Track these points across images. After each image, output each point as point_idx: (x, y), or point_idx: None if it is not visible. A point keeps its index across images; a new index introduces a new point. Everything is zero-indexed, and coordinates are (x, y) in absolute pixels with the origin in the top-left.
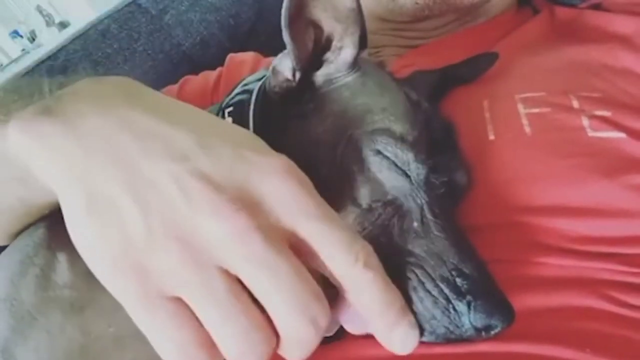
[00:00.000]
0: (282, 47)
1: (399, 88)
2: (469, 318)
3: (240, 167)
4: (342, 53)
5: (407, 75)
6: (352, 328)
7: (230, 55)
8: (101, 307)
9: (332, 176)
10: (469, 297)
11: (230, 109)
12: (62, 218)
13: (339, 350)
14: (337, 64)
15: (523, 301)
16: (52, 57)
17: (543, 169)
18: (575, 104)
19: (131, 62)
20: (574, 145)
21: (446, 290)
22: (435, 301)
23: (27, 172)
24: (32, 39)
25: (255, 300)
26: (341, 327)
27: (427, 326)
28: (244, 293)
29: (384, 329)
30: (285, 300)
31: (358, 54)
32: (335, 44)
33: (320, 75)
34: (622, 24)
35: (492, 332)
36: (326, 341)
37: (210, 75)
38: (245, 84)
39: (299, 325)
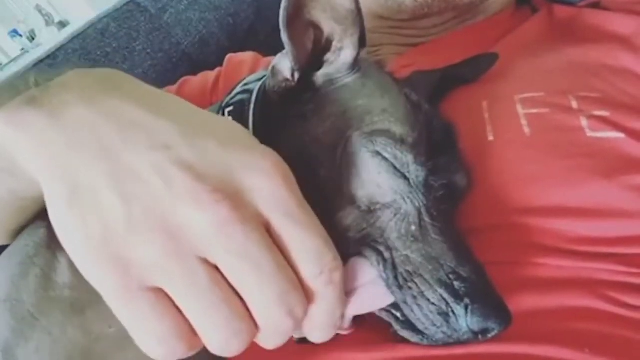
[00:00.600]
0: (282, 46)
1: (400, 89)
2: (466, 321)
3: (224, 159)
4: (342, 54)
5: (407, 76)
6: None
7: (229, 56)
8: (102, 308)
9: (331, 177)
10: (466, 300)
11: (231, 108)
12: None
13: (322, 354)
14: (337, 64)
15: (522, 302)
16: (51, 56)
17: (542, 170)
18: (574, 104)
19: (130, 61)
20: (572, 146)
21: (445, 295)
22: (435, 308)
23: (14, 163)
24: (32, 38)
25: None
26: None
27: (427, 332)
28: (224, 283)
29: (313, 327)
30: (264, 291)
31: (358, 55)
32: (335, 44)
33: (320, 76)
34: (621, 24)
35: (489, 335)
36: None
37: (209, 76)
38: (246, 84)
39: (277, 315)
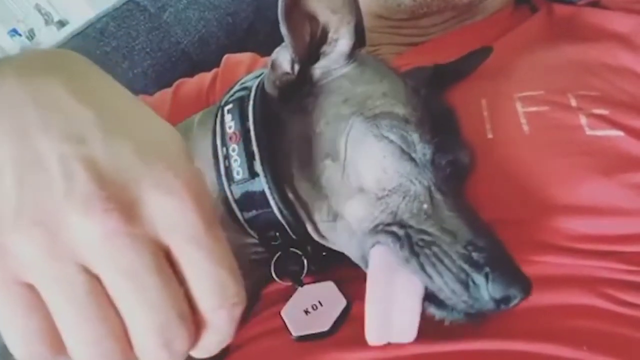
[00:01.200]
0: (281, 44)
1: (397, 74)
2: (487, 290)
3: (135, 168)
4: (339, 44)
5: (404, 71)
6: None
7: (227, 56)
8: None
9: (337, 166)
10: (486, 269)
11: (230, 106)
12: None
13: (320, 354)
14: (334, 55)
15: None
16: None
17: (541, 168)
18: (574, 102)
19: (130, 61)
20: (571, 144)
21: (464, 265)
22: (454, 276)
23: None
24: (31, 37)
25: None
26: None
27: (449, 302)
28: (104, 297)
29: (199, 356)
30: (143, 316)
31: (354, 44)
32: (331, 35)
33: (318, 68)
34: (620, 23)
35: (511, 304)
36: (320, 337)
37: (206, 77)
38: (244, 82)
39: (153, 346)
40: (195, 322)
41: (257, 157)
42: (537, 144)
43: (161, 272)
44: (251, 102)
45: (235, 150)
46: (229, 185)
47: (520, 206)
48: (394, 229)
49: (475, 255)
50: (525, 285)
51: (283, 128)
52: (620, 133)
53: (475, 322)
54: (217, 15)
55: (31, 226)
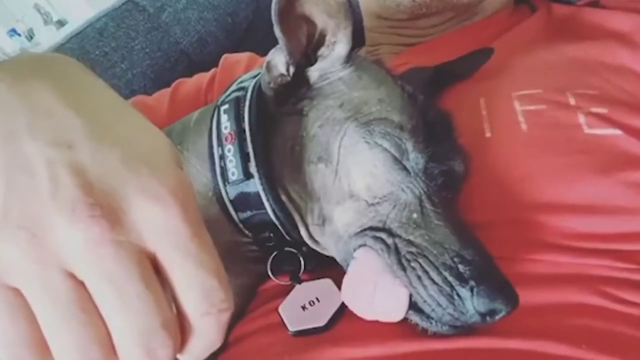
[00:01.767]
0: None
1: (395, 81)
2: (472, 303)
3: (122, 176)
4: (336, 48)
5: (402, 72)
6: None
7: (225, 56)
8: None
9: (330, 171)
10: (471, 283)
11: (226, 106)
12: None
13: (316, 349)
14: (332, 59)
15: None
16: None
17: (539, 166)
18: (572, 101)
19: (129, 61)
20: (570, 143)
21: (449, 278)
22: (439, 289)
23: None
24: (30, 37)
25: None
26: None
27: (433, 314)
28: (89, 303)
29: (195, 351)
30: (125, 323)
31: (352, 48)
32: (328, 39)
33: (315, 71)
34: (619, 21)
35: (497, 317)
36: (316, 332)
37: (204, 77)
38: (241, 82)
39: (135, 353)
40: (182, 328)
41: (252, 158)
42: (536, 143)
43: (145, 279)
44: (247, 103)
45: (230, 151)
46: (224, 185)
47: (517, 205)
48: (383, 236)
49: (461, 267)
50: (511, 299)
51: (278, 129)
52: (619, 132)
53: (461, 334)
54: (216, 15)
55: (16, 230)
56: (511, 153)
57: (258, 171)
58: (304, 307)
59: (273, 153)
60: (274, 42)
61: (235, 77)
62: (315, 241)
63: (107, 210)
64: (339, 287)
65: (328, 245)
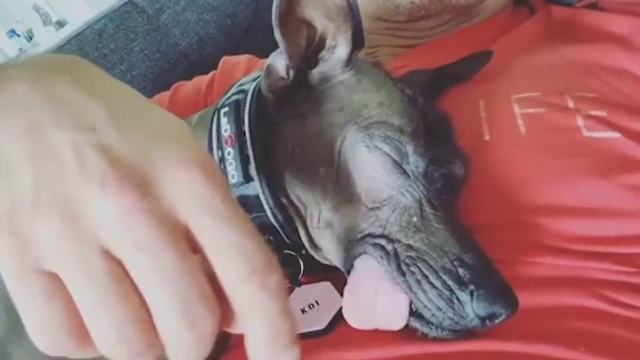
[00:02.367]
0: (278, 46)
1: (394, 84)
2: (472, 307)
3: (147, 150)
4: (337, 51)
5: (401, 75)
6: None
7: (224, 58)
8: None
9: (330, 174)
10: (471, 287)
11: (226, 109)
12: None
13: (316, 353)
14: (332, 62)
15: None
16: None
17: (538, 169)
18: (571, 104)
19: (128, 62)
20: (569, 146)
21: (449, 281)
22: (439, 293)
23: None
24: (29, 37)
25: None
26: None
27: (433, 319)
28: (126, 280)
29: (265, 353)
30: (163, 294)
31: (352, 51)
32: (329, 42)
33: (315, 74)
34: (618, 24)
35: (497, 321)
36: (316, 335)
37: (203, 80)
38: (241, 85)
39: (177, 327)
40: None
41: (252, 161)
42: (535, 146)
43: (179, 248)
44: (247, 106)
45: (230, 154)
46: None
47: (516, 207)
48: (383, 242)
49: (461, 271)
50: (511, 303)
51: (278, 132)
52: (618, 134)
53: (461, 338)
54: (216, 16)
55: (50, 213)
56: (510, 156)
57: (258, 174)
58: (303, 311)
59: (273, 156)
60: (274, 44)
61: (235, 79)
62: (315, 246)
63: (135, 181)
64: (339, 290)
65: (327, 249)
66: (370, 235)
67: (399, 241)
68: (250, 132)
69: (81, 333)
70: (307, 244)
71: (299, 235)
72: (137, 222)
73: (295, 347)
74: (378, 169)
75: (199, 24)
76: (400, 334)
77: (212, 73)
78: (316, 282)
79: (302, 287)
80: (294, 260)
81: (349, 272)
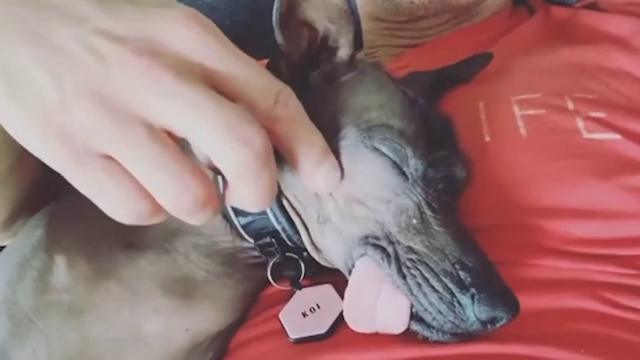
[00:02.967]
0: (279, 47)
1: (396, 86)
2: (473, 311)
3: (143, 21)
4: (338, 53)
5: (403, 77)
6: (357, 325)
7: None
8: (100, 312)
9: None
10: (472, 290)
11: None
12: (59, 220)
13: (317, 356)
14: (334, 63)
15: (520, 303)
16: None
17: (538, 171)
18: (570, 105)
19: None
20: (569, 147)
21: (450, 285)
22: (440, 296)
23: None
24: None
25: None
26: (333, 324)
27: (434, 323)
28: (171, 141)
29: (308, 168)
30: (209, 125)
31: (354, 53)
32: (330, 44)
33: (316, 76)
34: (617, 25)
35: (498, 324)
36: (317, 339)
37: None
38: None
39: (233, 147)
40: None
41: None
42: (534, 147)
43: (205, 86)
44: None
45: None
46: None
47: (516, 209)
48: (383, 244)
49: (462, 274)
50: (512, 307)
51: None
52: (617, 136)
53: (462, 341)
54: (215, 17)
55: (81, 99)
56: (510, 157)
57: None
58: (304, 314)
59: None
60: (273, 45)
61: None
62: (316, 248)
63: (147, 47)
64: (340, 293)
65: (328, 249)
66: (371, 235)
67: (399, 242)
68: None
69: (151, 197)
70: (308, 246)
71: (300, 237)
72: (160, 75)
73: (331, 156)
74: (377, 170)
75: None
76: (401, 337)
77: None
78: (317, 285)
79: (304, 290)
80: (295, 263)
81: (349, 273)
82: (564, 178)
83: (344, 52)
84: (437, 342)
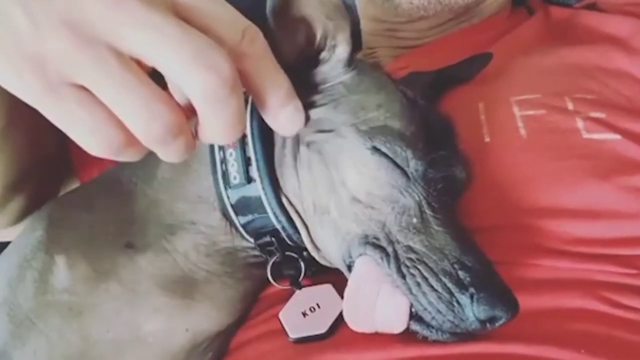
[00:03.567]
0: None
1: (395, 86)
2: (472, 310)
3: None
4: (337, 51)
5: (402, 77)
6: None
7: None
8: (100, 312)
9: (329, 174)
10: (471, 290)
11: None
12: (59, 221)
13: (317, 356)
14: (333, 62)
15: (519, 303)
16: None
17: (538, 171)
18: (570, 105)
19: None
20: (568, 147)
21: (449, 284)
22: (439, 296)
23: None
24: None
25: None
26: (333, 324)
27: (433, 322)
28: (140, 70)
29: (272, 108)
30: (177, 53)
31: (352, 50)
32: (329, 42)
33: (315, 74)
34: (616, 25)
35: (497, 324)
36: (317, 339)
37: None
38: None
39: (200, 73)
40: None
41: (253, 162)
42: (534, 148)
43: (171, 15)
44: (248, 107)
45: (232, 155)
46: (226, 189)
47: (516, 209)
48: (383, 243)
49: (461, 274)
50: (511, 306)
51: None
52: (617, 136)
53: (462, 341)
54: None
55: (52, 27)
56: (510, 158)
57: (259, 174)
58: (304, 314)
59: (274, 156)
60: (273, 46)
61: None
62: (316, 246)
63: None
64: (340, 293)
65: (327, 242)
66: (371, 235)
67: (399, 242)
68: (252, 133)
69: (121, 123)
70: (308, 245)
71: (300, 236)
72: (129, 5)
73: (295, 99)
74: (377, 169)
75: None
76: (400, 337)
77: None
78: (317, 285)
79: (304, 289)
80: (295, 263)
81: (348, 270)
82: (564, 178)
83: (342, 50)
84: (436, 342)
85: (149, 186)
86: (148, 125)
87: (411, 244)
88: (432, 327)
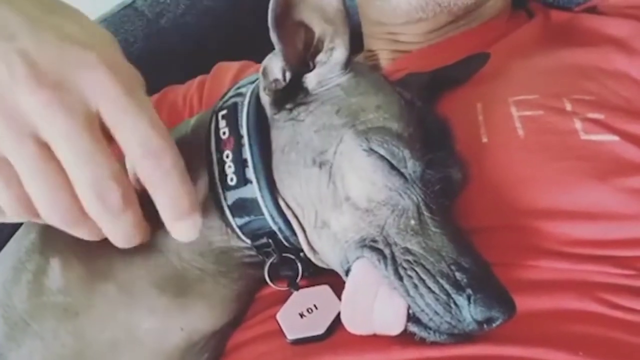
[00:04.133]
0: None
1: (393, 88)
2: (469, 311)
3: (60, 52)
4: (334, 54)
5: (399, 78)
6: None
7: (218, 64)
8: (95, 313)
9: (326, 177)
10: (468, 291)
11: (224, 112)
12: None
13: (315, 357)
14: (330, 65)
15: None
16: None
17: (536, 172)
18: (568, 106)
19: None
20: (566, 148)
21: (446, 286)
22: (436, 297)
23: None
24: None
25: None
26: (331, 325)
27: (431, 324)
28: (55, 161)
29: (169, 219)
30: (79, 170)
31: (350, 54)
32: (327, 45)
33: (313, 77)
34: (616, 27)
35: (494, 325)
36: (315, 340)
37: (192, 83)
38: (239, 87)
39: (90, 197)
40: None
41: (249, 164)
42: (532, 148)
43: (93, 134)
44: (245, 109)
45: (228, 157)
46: (223, 191)
47: (514, 211)
48: (380, 246)
49: (458, 275)
50: (508, 307)
51: (276, 134)
52: (616, 138)
53: (459, 342)
54: (215, 21)
55: None
56: (508, 159)
57: (256, 176)
58: (302, 315)
59: (271, 158)
60: (273, 48)
61: (224, 84)
62: (313, 249)
63: (53, 79)
64: (337, 294)
65: (324, 251)
66: (368, 238)
67: (396, 244)
68: (249, 134)
69: (31, 205)
70: (305, 247)
71: (297, 238)
72: (55, 112)
73: (196, 213)
74: (375, 171)
75: (198, 28)
76: (398, 338)
77: (201, 77)
78: (315, 286)
79: (301, 291)
80: (292, 264)
81: (346, 274)
82: (562, 179)
83: (340, 53)
84: (434, 343)
85: None
86: (52, 211)
87: (408, 245)
88: (430, 329)
